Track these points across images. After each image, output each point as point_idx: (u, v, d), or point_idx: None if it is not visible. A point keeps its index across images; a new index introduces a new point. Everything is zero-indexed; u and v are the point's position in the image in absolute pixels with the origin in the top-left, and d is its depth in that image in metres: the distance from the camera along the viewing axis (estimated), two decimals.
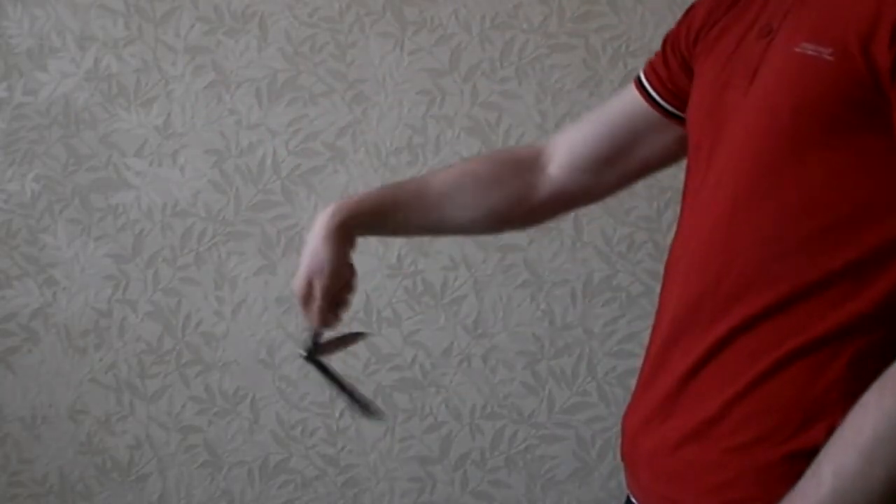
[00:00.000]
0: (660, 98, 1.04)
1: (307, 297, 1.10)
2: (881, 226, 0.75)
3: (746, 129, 0.82)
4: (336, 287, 1.09)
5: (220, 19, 1.79)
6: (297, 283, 1.10)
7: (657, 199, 1.80)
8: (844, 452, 0.71)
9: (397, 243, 1.83)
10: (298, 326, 1.86)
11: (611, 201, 1.82)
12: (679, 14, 1.68)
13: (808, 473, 0.73)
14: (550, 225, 1.83)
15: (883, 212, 0.75)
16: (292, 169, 1.82)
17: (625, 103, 1.08)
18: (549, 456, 1.90)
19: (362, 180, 1.82)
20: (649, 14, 1.78)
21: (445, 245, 1.84)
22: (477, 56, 1.80)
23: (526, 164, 1.14)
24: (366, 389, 1.87)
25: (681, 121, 1.01)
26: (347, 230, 1.08)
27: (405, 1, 1.78)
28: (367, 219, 1.10)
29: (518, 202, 1.13)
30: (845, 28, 0.75)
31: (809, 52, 0.77)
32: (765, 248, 0.80)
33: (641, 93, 1.06)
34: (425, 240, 1.83)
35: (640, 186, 1.80)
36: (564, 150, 1.13)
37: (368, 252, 1.84)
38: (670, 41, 1.03)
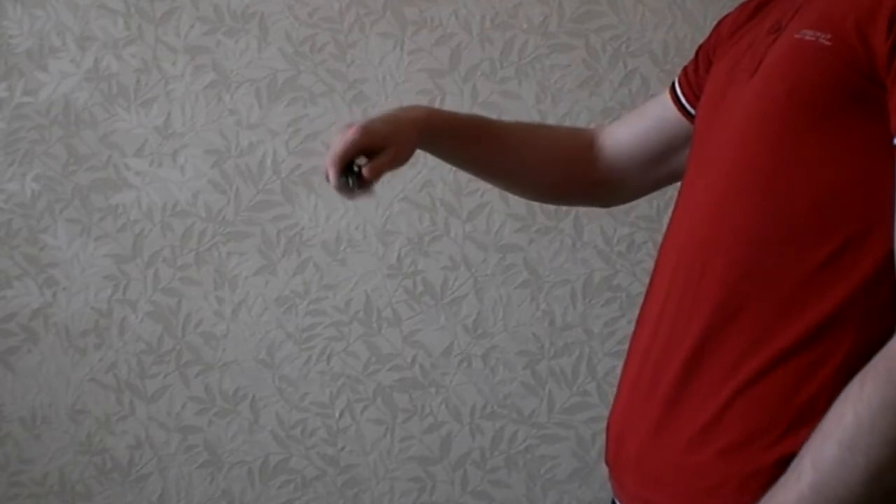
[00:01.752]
0: (689, 105, 1.06)
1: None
2: (865, 213, 0.75)
3: (742, 116, 0.83)
4: (377, 137, 1.00)
5: (220, 19, 1.79)
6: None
7: (657, 199, 1.80)
8: (824, 443, 0.71)
9: (397, 243, 1.83)
10: (298, 326, 1.86)
11: None
12: (679, 14, 1.69)
13: (791, 466, 0.73)
14: (550, 225, 1.83)
15: (868, 199, 0.75)
16: (292, 169, 1.82)
17: (659, 108, 1.10)
18: (549, 456, 1.90)
19: None
20: (649, 14, 1.78)
21: (445, 245, 1.84)
22: (477, 56, 1.80)
23: (587, 145, 1.16)
24: (366, 389, 1.88)
25: None
26: (425, 120, 1.07)
27: (405, 1, 1.79)
28: (448, 125, 1.10)
29: (574, 179, 1.16)
30: (846, 15, 0.75)
31: (808, 38, 0.77)
32: (750, 236, 0.80)
33: (673, 99, 1.07)
34: (425, 239, 1.83)
35: None
36: (608, 144, 1.15)
37: (368, 252, 1.84)
38: (702, 49, 1.06)
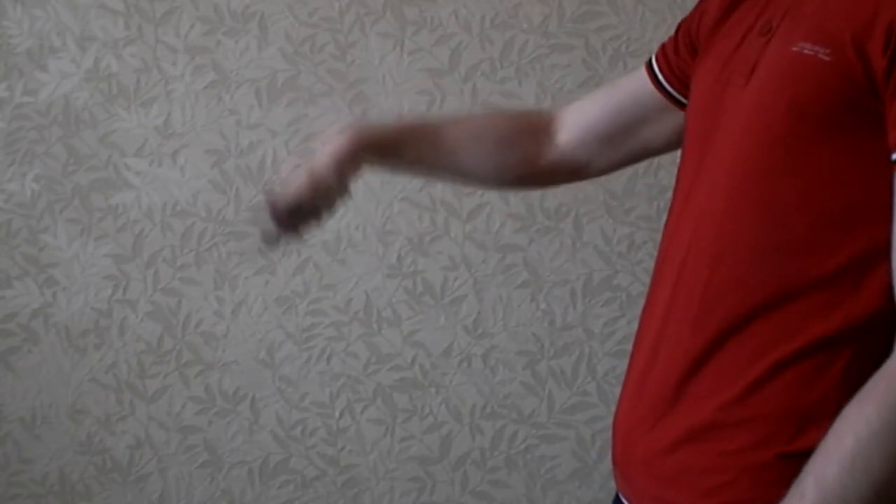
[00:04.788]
0: (666, 83, 1.05)
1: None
2: (870, 229, 0.75)
3: (742, 126, 0.82)
4: (319, 189, 1.07)
5: (220, 19, 1.79)
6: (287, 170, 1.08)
7: (657, 199, 1.80)
8: (826, 462, 0.71)
9: (397, 243, 1.83)
10: (298, 326, 1.86)
11: (611, 201, 1.82)
12: (678, 14, 1.68)
13: (793, 487, 0.73)
14: (550, 225, 1.83)
15: (872, 214, 0.75)
16: (292, 169, 1.82)
17: (633, 84, 1.09)
18: (549, 456, 1.90)
19: (362, 180, 1.81)
20: (649, 14, 1.78)
21: (445, 245, 1.84)
22: (477, 56, 1.80)
23: (539, 129, 1.16)
24: (366, 389, 1.88)
25: (684, 107, 1.01)
26: (358, 149, 1.09)
27: (405, 1, 1.79)
28: (381, 142, 1.11)
29: (526, 163, 1.15)
30: (843, 28, 0.75)
31: (807, 52, 0.77)
32: (754, 247, 0.80)
33: (650, 75, 1.07)
34: (425, 240, 1.83)
35: (641, 186, 1.80)
36: (572, 121, 1.14)
37: (368, 252, 1.84)
38: (683, 27, 1.04)
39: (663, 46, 1.07)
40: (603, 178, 1.82)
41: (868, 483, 0.69)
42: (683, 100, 1.02)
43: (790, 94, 0.78)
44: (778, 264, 0.79)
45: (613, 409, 0.97)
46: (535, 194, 1.81)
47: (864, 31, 0.73)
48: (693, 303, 0.84)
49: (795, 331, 0.78)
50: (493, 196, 1.81)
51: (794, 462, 0.74)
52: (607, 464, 1.86)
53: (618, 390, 1.03)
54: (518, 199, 1.82)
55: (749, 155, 0.81)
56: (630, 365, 0.95)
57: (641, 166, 1.79)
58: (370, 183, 1.80)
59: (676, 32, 1.06)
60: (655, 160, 1.79)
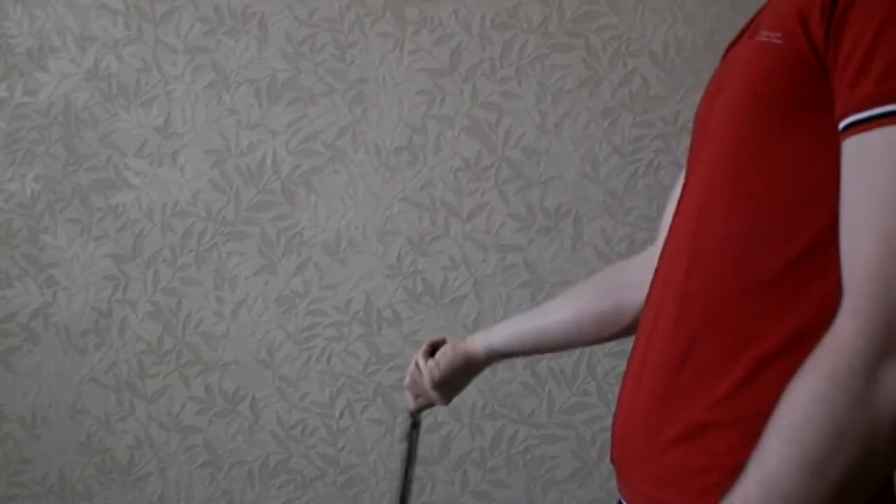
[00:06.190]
0: None
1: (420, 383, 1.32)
2: (830, 208, 0.76)
3: (718, 121, 0.84)
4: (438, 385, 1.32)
5: (220, 19, 1.79)
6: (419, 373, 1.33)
7: (657, 200, 1.80)
8: (766, 438, 0.71)
9: (397, 243, 1.83)
10: (298, 326, 1.86)
11: (611, 201, 1.82)
12: (679, 14, 1.69)
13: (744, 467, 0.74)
14: (550, 225, 1.83)
15: (830, 192, 0.75)
16: (292, 169, 1.82)
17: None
18: (549, 456, 1.90)
19: (362, 180, 1.82)
20: (649, 14, 1.78)
21: (445, 245, 1.84)
22: (477, 56, 1.80)
23: (623, 281, 1.21)
24: (366, 389, 1.88)
25: None
26: (475, 360, 1.32)
27: (405, 1, 1.79)
28: (498, 355, 1.32)
29: (620, 320, 1.24)
30: (792, 10, 0.77)
31: (763, 39, 0.79)
32: (725, 239, 0.81)
33: None
34: (425, 240, 1.83)
35: (641, 186, 1.80)
36: (647, 265, 1.14)
37: (368, 252, 1.84)
38: None
39: None
40: (603, 178, 1.82)
41: (803, 456, 0.69)
42: None
43: (751, 82, 0.80)
44: (748, 254, 0.79)
45: (613, 409, 0.97)
46: (534, 194, 1.82)
47: (806, 6, 0.75)
48: (675, 299, 0.85)
49: (771, 322, 0.78)
50: (492, 196, 1.81)
51: None
52: (607, 464, 1.86)
53: (618, 390, 1.03)
54: (518, 200, 1.82)
55: (722, 150, 0.83)
56: (628, 365, 0.95)
57: (641, 166, 1.79)
58: (370, 183, 1.80)
59: None
60: (655, 160, 1.79)
